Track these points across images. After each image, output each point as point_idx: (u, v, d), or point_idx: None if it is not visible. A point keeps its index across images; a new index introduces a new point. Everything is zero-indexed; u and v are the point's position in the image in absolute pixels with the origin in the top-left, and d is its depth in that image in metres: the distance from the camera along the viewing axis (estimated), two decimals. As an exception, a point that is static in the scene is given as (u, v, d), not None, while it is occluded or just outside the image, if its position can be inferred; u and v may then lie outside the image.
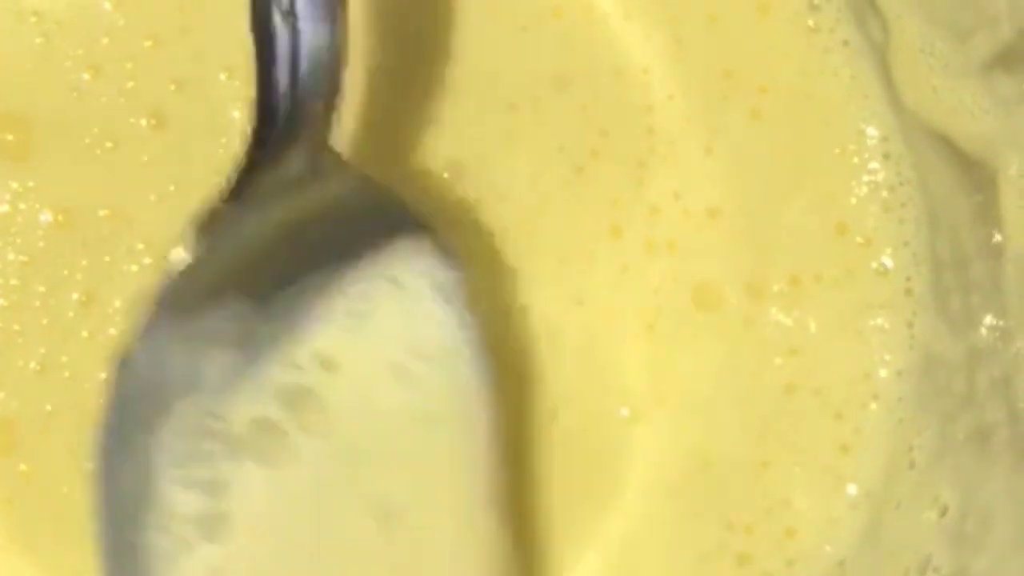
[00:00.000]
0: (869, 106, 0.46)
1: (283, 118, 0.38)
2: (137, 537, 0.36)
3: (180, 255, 0.37)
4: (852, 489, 0.45)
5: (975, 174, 0.42)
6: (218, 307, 0.37)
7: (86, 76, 0.45)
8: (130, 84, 0.45)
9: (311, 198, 0.39)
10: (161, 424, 0.36)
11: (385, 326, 0.39)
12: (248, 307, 0.37)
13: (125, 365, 0.36)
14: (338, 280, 0.39)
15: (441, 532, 0.40)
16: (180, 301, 0.36)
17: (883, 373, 0.46)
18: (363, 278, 0.39)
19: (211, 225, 0.37)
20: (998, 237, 0.41)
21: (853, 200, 0.46)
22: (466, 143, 0.45)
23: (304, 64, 0.38)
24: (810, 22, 0.46)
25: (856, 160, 0.46)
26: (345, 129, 0.43)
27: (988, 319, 0.42)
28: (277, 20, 0.38)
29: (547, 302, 0.45)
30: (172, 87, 0.45)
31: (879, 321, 0.46)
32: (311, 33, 0.38)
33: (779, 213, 0.46)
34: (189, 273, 0.37)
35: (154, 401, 0.36)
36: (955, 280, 0.44)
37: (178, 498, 0.36)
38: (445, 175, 0.45)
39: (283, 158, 0.38)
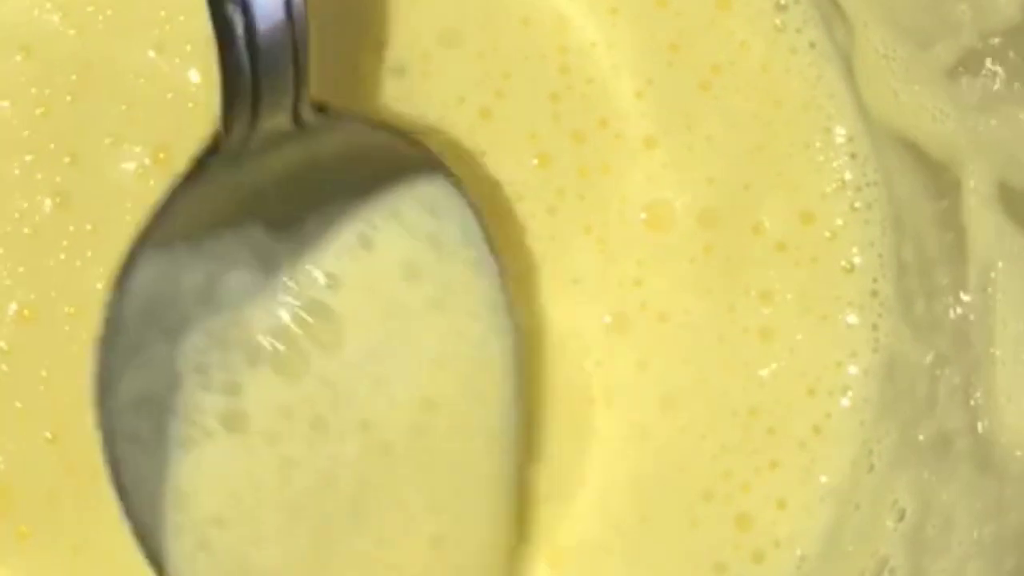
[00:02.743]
0: (835, 106, 0.45)
1: (249, 95, 0.38)
2: (161, 426, 0.39)
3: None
4: (820, 481, 0.45)
5: (939, 179, 0.42)
6: (234, 232, 0.39)
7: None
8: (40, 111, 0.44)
9: (308, 146, 0.40)
10: (183, 335, 0.39)
11: (388, 249, 0.41)
12: (263, 233, 0.40)
13: (121, 287, 0.38)
14: (346, 212, 0.41)
15: (475, 421, 0.42)
16: (191, 227, 0.39)
17: (851, 369, 0.45)
18: (368, 209, 0.41)
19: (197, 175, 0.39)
20: (961, 243, 0.41)
21: (819, 194, 0.46)
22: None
23: (263, 40, 0.37)
24: (776, 21, 0.46)
25: (822, 157, 0.45)
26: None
27: (950, 325, 0.42)
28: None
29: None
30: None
31: (846, 316, 0.46)
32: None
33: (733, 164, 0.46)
34: (197, 201, 0.39)
35: (172, 315, 0.39)
36: (919, 284, 0.44)
37: (201, 398, 0.39)
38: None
39: (258, 128, 0.39)
